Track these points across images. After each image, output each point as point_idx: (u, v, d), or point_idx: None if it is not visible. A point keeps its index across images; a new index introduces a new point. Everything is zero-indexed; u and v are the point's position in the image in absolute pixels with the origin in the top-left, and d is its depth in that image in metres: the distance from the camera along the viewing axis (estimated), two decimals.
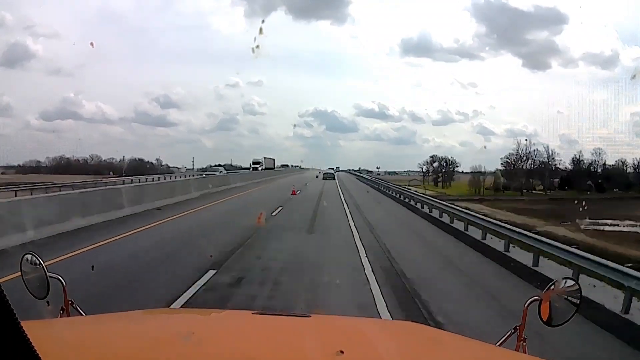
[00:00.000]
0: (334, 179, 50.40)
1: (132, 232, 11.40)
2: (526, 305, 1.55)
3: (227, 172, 49.91)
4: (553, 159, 62.61)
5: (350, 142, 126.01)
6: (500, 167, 64.46)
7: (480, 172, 65.00)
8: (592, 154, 61.79)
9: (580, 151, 67.25)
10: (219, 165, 64.86)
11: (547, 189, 60.70)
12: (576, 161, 61.99)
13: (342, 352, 1.12)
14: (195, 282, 6.85)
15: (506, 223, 11.09)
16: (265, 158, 66.15)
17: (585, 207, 32.49)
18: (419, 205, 19.34)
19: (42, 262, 1.62)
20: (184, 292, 6.27)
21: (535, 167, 63.13)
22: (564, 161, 63.62)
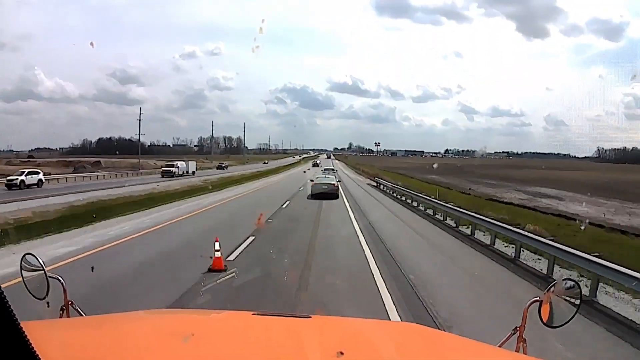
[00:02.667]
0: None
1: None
2: (526, 306, 1.55)
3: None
4: None
5: (326, 121, 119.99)
6: None
7: None
8: None
9: None
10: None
11: None
12: None
13: (342, 353, 1.12)
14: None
15: None
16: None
17: None
18: None
19: (42, 262, 1.62)
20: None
21: None
22: None
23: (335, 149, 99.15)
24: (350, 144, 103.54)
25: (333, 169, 42.56)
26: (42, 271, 1.61)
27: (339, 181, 27.45)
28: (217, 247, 7.89)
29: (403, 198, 23.76)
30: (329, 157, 62.70)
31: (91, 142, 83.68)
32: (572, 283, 1.57)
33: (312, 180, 25.64)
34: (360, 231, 12.86)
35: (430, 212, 18.04)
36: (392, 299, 6.36)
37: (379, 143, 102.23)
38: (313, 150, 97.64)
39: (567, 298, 1.53)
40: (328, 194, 22.30)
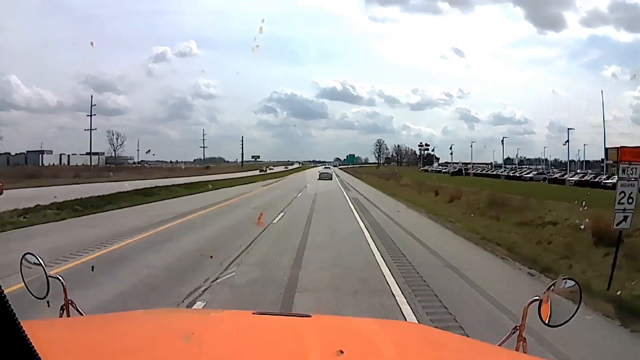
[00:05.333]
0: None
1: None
2: (526, 305, 1.56)
3: None
4: None
5: (322, 131, 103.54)
6: None
7: None
8: None
9: None
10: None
11: None
12: None
13: (342, 352, 1.12)
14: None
15: None
16: None
17: None
18: None
19: (42, 261, 1.62)
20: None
21: None
22: None
23: (337, 159, 73.51)
24: (381, 144, 61.68)
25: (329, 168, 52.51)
26: (42, 271, 1.61)
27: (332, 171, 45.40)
28: None
29: None
30: (326, 172, 45.54)
31: None
32: (572, 282, 1.57)
33: (319, 172, 43.82)
34: None
35: None
36: None
37: (426, 145, 61.25)
38: (310, 161, 76.39)
39: (567, 297, 1.54)
40: (327, 179, 40.33)
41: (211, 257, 8.36)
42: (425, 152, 58.97)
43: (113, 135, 53.11)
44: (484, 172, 51.91)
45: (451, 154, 57.48)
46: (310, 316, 1.61)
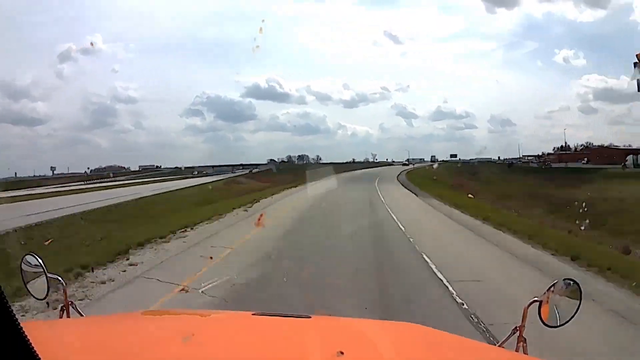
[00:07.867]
0: None
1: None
2: (526, 306, 1.56)
3: None
4: None
5: (253, 135, 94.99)
6: None
7: None
8: None
9: None
10: None
11: None
12: None
13: (342, 352, 1.12)
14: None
15: None
16: None
17: None
18: None
19: (42, 262, 1.62)
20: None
21: None
22: None
23: (272, 160, 71.72)
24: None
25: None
26: (43, 271, 1.61)
27: None
28: None
29: None
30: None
31: None
32: (572, 282, 1.57)
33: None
34: None
35: None
36: None
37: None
38: (243, 165, 69.30)
39: (567, 298, 1.54)
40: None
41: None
42: None
43: None
44: None
45: None
46: (310, 317, 1.61)
